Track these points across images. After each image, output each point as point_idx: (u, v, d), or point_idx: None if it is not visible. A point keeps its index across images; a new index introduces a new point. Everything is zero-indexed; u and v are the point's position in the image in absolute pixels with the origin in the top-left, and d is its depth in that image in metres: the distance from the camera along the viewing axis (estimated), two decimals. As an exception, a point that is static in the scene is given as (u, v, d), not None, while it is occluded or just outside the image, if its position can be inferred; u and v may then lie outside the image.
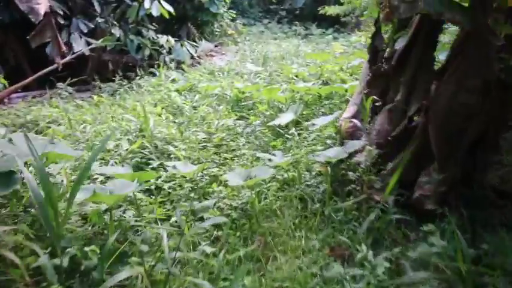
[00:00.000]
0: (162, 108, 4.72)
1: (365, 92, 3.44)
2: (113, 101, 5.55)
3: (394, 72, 3.12)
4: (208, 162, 3.32)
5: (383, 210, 2.46)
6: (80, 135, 3.92)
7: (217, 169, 3.18)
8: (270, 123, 4.11)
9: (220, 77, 6.49)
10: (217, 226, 2.48)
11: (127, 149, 3.37)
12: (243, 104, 5.01)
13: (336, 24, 12.23)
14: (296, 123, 4.13)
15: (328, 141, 3.45)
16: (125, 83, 6.44)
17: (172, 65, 7.39)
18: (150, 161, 3.29)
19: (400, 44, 3.18)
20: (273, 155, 3.09)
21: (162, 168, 3.19)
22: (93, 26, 7.19)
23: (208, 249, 2.06)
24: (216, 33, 10.25)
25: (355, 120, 3.26)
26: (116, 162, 3.19)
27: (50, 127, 4.17)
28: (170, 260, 1.86)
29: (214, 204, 2.62)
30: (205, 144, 3.72)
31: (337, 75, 5.66)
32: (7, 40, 7.09)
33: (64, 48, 5.65)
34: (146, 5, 7.22)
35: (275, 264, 2.20)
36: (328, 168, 2.82)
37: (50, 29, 5.94)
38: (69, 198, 1.92)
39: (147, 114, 3.79)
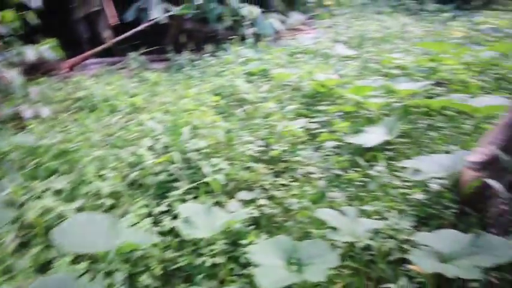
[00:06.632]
0: (217, 101, 3.86)
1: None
2: (171, 81, 4.93)
3: None
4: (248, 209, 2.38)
5: None
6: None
7: (249, 224, 2.21)
8: (351, 140, 2.99)
9: (301, 60, 5.36)
10: None
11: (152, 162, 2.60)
12: (320, 102, 3.89)
13: (458, -2, 9.91)
14: (386, 145, 2.93)
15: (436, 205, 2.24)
16: (197, 58, 5.75)
17: (252, 39, 6.39)
18: (175, 184, 2.48)
19: None
20: (342, 213, 2.02)
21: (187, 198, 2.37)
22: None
23: None
24: (311, 3, 8.89)
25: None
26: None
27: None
28: None
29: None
30: (258, 157, 2.80)
31: (457, 73, 4.14)
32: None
33: (116, 19, 5.04)
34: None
35: None
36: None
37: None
38: None
39: (194, 111, 2.97)
